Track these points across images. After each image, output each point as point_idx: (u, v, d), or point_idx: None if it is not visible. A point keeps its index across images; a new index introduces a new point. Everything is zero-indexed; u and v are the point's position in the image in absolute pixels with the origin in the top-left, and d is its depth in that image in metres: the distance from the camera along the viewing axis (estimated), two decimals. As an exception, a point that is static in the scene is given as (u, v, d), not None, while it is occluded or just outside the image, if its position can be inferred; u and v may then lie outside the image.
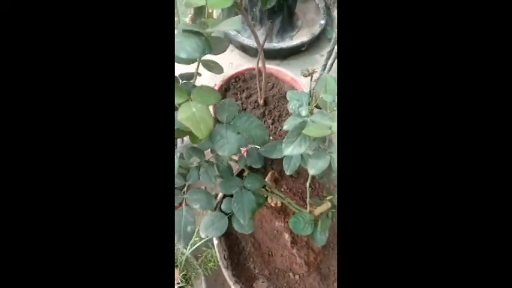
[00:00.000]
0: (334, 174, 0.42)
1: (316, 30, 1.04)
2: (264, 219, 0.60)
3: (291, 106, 0.33)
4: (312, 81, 0.33)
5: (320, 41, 1.09)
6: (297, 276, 0.55)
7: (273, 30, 1.05)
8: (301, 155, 0.41)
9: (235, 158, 0.44)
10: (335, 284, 0.54)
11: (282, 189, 0.63)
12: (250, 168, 0.54)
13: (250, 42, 1.02)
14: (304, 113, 0.32)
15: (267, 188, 0.53)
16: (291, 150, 0.30)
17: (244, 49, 1.06)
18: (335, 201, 0.47)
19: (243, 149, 0.44)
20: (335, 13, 1.14)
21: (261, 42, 0.57)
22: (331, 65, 0.73)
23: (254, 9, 1.02)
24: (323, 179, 0.47)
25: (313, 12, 1.13)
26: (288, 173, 0.41)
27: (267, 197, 0.61)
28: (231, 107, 0.34)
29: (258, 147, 0.43)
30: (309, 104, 0.34)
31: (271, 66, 0.78)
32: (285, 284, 0.54)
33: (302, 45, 1.02)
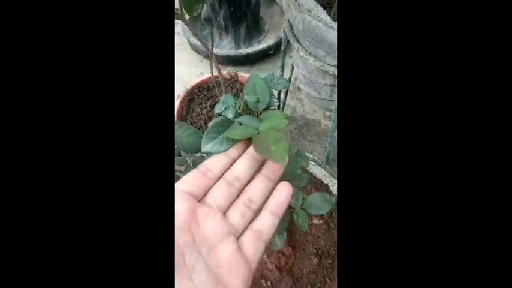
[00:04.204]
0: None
1: (282, 32, 1.05)
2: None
3: (217, 110, 0.32)
4: (238, 82, 0.32)
5: (289, 43, 1.09)
6: (269, 282, 0.54)
7: (240, 37, 1.06)
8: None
9: (182, 169, 0.43)
10: (308, 286, 0.53)
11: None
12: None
13: (218, 50, 1.02)
14: (230, 115, 0.32)
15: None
16: (210, 147, 0.29)
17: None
18: (292, 202, 0.46)
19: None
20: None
21: (210, 48, 0.57)
22: (283, 65, 0.73)
23: (218, 18, 1.02)
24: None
25: (279, 15, 1.13)
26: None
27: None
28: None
29: (205, 155, 0.43)
30: (239, 107, 0.33)
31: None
32: (257, 292, 0.53)
33: (269, 48, 1.03)
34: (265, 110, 0.36)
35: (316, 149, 0.92)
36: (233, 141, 0.29)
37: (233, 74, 0.35)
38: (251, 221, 0.26)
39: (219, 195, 0.26)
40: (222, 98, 0.33)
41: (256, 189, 0.27)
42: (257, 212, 0.26)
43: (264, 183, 0.27)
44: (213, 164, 0.27)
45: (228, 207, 0.26)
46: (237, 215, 0.25)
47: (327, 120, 0.97)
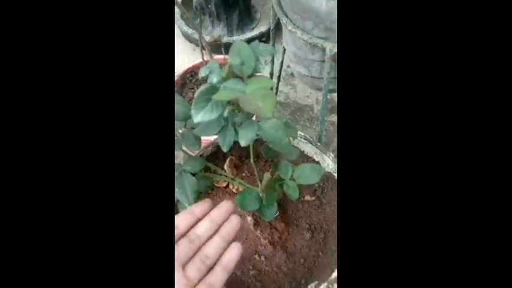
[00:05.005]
0: (271, 145, 0.41)
1: (275, 19, 1.05)
2: (226, 206, 0.59)
3: (202, 75, 0.33)
4: (222, 48, 0.33)
5: (279, 29, 1.10)
6: (262, 257, 0.54)
7: (232, 24, 1.06)
8: (235, 130, 0.41)
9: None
10: (301, 260, 0.54)
11: (244, 174, 0.63)
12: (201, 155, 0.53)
13: (209, 38, 1.02)
14: (215, 80, 0.32)
15: (221, 173, 0.53)
16: (201, 116, 0.29)
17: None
18: (282, 173, 0.46)
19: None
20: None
21: (201, 33, 0.57)
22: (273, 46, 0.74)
23: (210, 6, 1.02)
24: (268, 154, 0.47)
25: (270, 3, 1.14)
26: (224, 149, 0.40)
27: (218, 182, 0.60)
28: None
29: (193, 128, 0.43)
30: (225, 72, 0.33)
31: (223, 56, 0.78)
32: (251, 267, 0.54)
33: (262, 35, 1.03)
34: (251, 77, 0.36)
35: (309, 133, 0.92)
36: (223, 106, 0.30)
37: (217, 37, 0.36)
38: (205, 274, 0.31)
39: (182, 251, 0.30)
40: (207, 64, 0.33)
41: (212, 247, 0.32)
42: (211, 267, 0.31)
43: (220, 243, 0.33)
44: (180, 221, 0.33)
45: (188, 261, 0.31)
46: (194, 269, 0.30)
47: (319, 105, 0.98)
